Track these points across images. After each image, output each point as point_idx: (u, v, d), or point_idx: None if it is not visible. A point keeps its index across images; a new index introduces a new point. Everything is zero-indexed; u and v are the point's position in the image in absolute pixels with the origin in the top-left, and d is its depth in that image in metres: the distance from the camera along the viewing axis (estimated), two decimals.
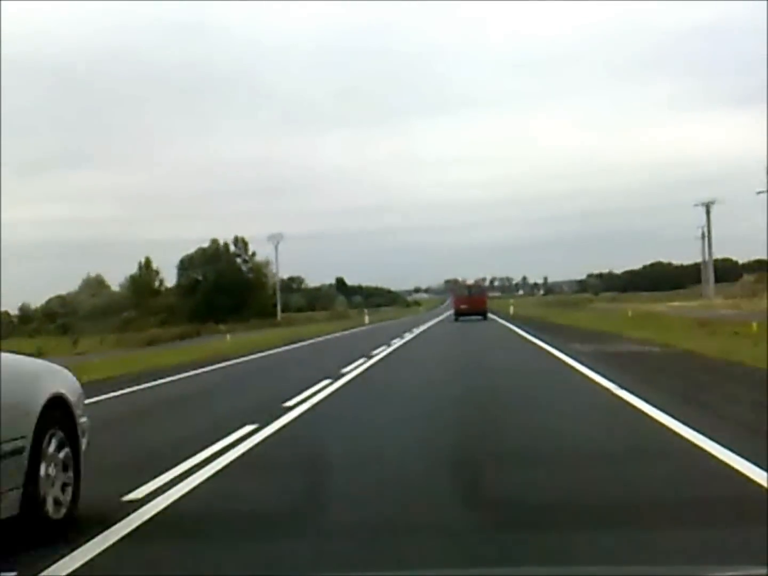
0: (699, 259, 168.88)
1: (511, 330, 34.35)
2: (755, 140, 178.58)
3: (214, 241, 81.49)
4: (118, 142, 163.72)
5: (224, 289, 73.24)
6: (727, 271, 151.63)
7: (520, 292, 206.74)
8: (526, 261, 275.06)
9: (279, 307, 76.58)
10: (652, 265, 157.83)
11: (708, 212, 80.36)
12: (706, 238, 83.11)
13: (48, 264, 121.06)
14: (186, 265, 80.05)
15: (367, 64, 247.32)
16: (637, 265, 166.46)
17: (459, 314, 48.16)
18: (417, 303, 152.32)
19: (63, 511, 5.34)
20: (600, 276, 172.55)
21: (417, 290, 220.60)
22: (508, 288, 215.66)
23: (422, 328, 41.78)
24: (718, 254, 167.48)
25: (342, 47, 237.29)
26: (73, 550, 4.87)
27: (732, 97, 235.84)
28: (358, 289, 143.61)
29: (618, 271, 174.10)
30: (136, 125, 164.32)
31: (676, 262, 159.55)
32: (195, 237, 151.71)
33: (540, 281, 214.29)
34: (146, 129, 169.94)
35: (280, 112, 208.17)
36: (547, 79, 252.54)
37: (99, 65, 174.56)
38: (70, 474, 5.51)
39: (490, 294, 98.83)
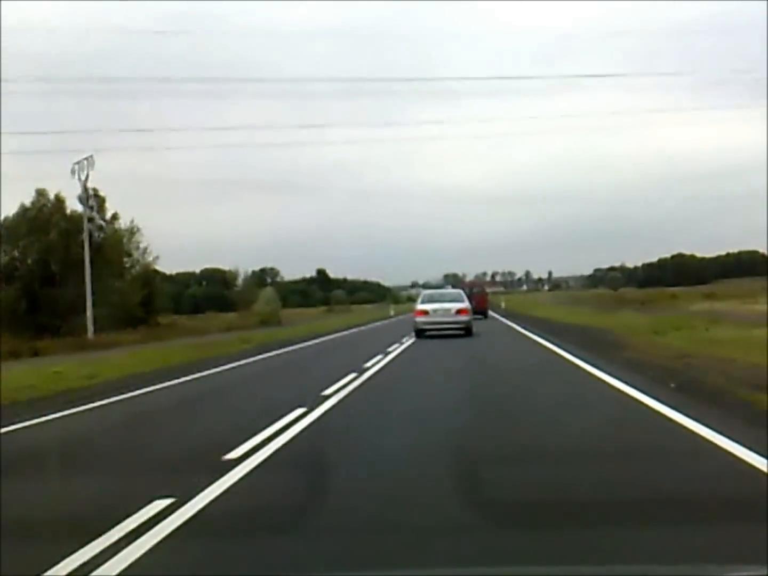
0: (723, 252, 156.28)
1: None
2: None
3: (42, 194, 47.55)
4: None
5: (55, 274, 45.33)
6: (755, 264, 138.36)
7: (524, 287, 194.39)
8: (529, 255, 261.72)
9: (90, 312, 41.18)
10: (673, 257, 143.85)
11: None
12: None
13: None
14: (4, 234, 47.14)
15: (365, 57, 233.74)
16: (648, 259, 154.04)
17: None
18: (397, 300, 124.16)
19: (474, 330, 29.84)
20: (612, 269, 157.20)
21: (414, 285, 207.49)
22: (510, 283, 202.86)
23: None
24: (745, 246, 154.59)
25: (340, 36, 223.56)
26: None
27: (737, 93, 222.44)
28: (342, 283, 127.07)
29: (629, 264, 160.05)
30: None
31: (699, 254, 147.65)
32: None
33: (545, 276, 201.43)
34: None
35: (281, 102, 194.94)
36: (555, 72, 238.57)
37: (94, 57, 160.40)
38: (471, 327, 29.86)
39: (493, 290, 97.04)
